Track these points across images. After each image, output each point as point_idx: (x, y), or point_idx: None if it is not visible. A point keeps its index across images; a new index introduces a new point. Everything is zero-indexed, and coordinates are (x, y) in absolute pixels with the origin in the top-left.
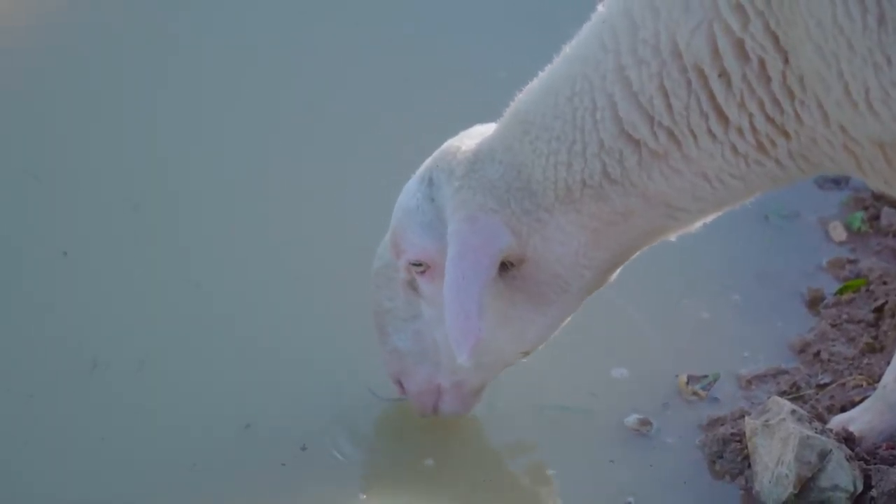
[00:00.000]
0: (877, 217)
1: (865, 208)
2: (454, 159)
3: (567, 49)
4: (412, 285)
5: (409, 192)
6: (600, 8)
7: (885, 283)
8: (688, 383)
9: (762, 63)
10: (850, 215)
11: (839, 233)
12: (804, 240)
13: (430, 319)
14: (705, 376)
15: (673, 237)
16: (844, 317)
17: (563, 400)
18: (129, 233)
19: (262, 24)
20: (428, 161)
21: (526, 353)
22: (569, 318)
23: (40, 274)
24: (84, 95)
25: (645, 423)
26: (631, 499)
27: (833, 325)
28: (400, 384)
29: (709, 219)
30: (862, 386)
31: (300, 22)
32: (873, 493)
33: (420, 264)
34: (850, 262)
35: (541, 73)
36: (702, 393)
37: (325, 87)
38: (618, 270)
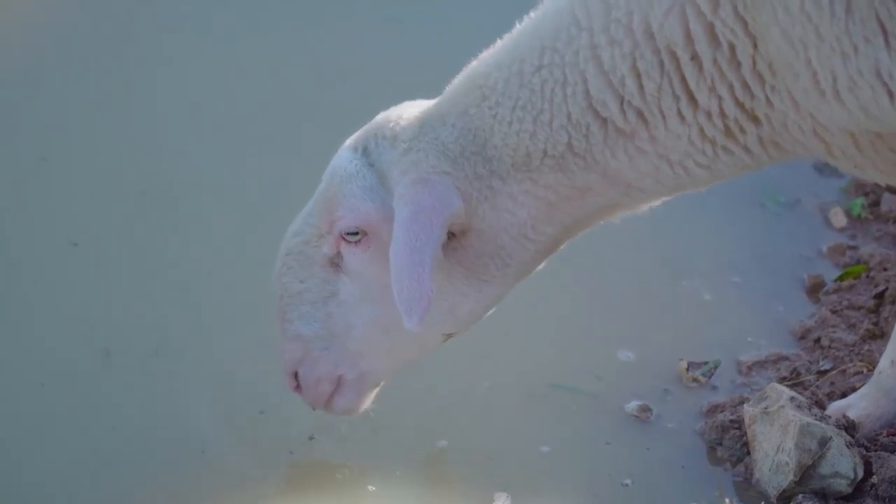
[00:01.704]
0: (877, 203)
1: (866, 194)
2: (397, 126)
3: (530, 19)
4: (334, 261)
5: (344, 160)
6: None
7: (885, 269)
8: (688, 370)
9: (732, 48)
10: (851, 201)
11: (839, 219)
12: (804, 226)
13: (347, 299)
14: (706, 363)
15: (618, 220)
16: (845, 303)
17: (571, 381)
18: (139, 220)
19: (263, 19)
20: (359, 133)
21: (448, 337)
22: (493, 308)
23: (51, 263)
24: (90, 85)
25: (645, 409)
26: (628, 481)
27: (833, 312)
28: (294, 376)
29: (657, 203)
30: (863, 373)
31: (298, 18)
32: (874, 479)
33: (356, 233)
34: (851, 248)
35: (499, 42)
36: (702, 379)
37: (323, 78)
38: (546, 258)
